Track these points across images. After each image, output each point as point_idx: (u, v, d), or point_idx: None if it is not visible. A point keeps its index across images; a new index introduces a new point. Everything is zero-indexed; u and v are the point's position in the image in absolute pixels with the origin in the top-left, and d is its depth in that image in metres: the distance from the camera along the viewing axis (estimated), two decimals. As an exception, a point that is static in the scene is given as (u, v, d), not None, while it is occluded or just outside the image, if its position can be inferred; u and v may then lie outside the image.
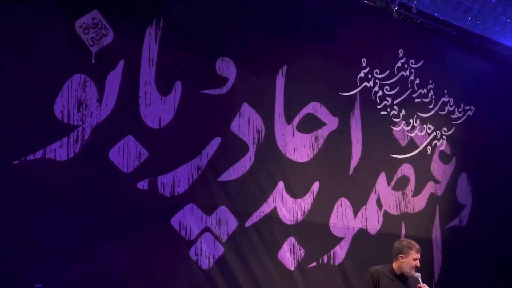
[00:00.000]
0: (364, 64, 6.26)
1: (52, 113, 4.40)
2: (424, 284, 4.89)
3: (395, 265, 4.96)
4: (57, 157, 4.39)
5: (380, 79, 6.38)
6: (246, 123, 5.37)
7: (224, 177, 5.19)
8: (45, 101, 4.39)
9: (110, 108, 4.65)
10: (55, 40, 4.45)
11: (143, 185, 4.74)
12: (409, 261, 4.89)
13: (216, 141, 5.18)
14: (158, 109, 4.89)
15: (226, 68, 5.31)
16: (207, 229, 5.00)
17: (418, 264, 4.88)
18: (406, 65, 6.63)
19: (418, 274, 4.93)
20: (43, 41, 4.40)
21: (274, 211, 5.41)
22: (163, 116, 4.91)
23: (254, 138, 5.41)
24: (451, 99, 6.98)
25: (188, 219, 4.91)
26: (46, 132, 4.38)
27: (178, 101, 5.00)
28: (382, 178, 6.23)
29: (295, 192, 5.59)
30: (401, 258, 4.91)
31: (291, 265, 5.43)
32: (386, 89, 6.41)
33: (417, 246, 4.91)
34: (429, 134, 6.74)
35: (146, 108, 4.84)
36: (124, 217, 4.60)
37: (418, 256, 4.87)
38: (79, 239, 4.38)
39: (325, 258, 5.67)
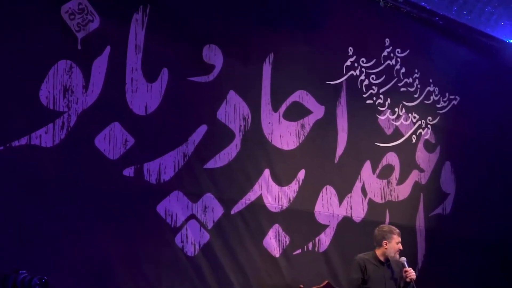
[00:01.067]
0: (350, 53, 6.28)
1: (37, 99, 4.37)
2: (410, 268, 4.98)
3: (379, 252, 5.04)
4: (42, 144, 4.37)
5: (366, 68, 6.40)
6: (233, 111, 5.37)
7: (210, 164, 5.20)
8: (30, 87, 4.36)
9: (96, 94, 4.63)
10: (40, 26, 4.41)
11: (129, 172, 4.74)
12: (393, 245, 5.00)
13: (203, 129, 5.18)
14: (144, 96, 4.88)
15: (213, 55, 5.30)
16: (192, 216, 5.01)
17: (401, 247, 4.99)
18: (392, 54, 6.67)
19: (403, 259, 5.02)
20: (28, 26, 4.36)
21: (259, 198, 5.43)
22: (149, 103, 4.90)
23: (240, 125, 5.42)
24: (436, 88, 7.04)
25: (174, 206, 4.92)
26: (31, 118, 4.35)
27: (164, 88, 4.98)
28: (367, 166, 6.28)
29: (281, 179, 5.61)
30: (386, 244, 4.99)
31: (276, 252, 5.47)
32: (372, 78, 6.45)
33: (397, 230, 5.04)
34: (414, 123, 6.79)
35: (133, 95, 4.82)
36: (109, 204, 4.60)
37: (400, 239, 5.01)
38: (64, 225, 4.37)
39: (310, 245, 5.72)
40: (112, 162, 4.66)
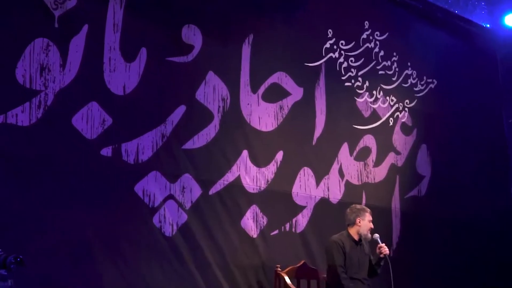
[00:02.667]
0: (330, 35, 6.29)
1: (13, 77, 4.32)
2: (383, 244, 5.08)
3: (352, 231, 5.11)
4: (18, 122, 4.33)
5: (345, 50, 6.43)
6: (211, 92, 5.37)
7: (189, 145, 5.21)
8: (6, 65, 4.30)
9: (73, 73, 4.59)
10: (16, 3, 4.34)
11: (106, 151, 4.72)
12: (366, 223, 5.09)
13: (181, 109, 5.17)
14: (122, 76, 4.85)
15: (192, 35, 5.27)
16: (170, 197, 5.03)
17: (372, 226, 5.09)
18: (371, 37, 6.69)
19: (376, 235, 5.11)
20: (4, 3, 4.29)
21: (238, 179, 5.46)
22: (127, 83, 4.87)
23: (219, 106, 5.41)
24: (414, 72, 7.10)
25: (151, 187, 4.93)
26: (7, 97, 4.30)
27: (143, 68, 4.96)
28: (344, 148, 6.33)
29: (259, 161, 5.64)
30: (359, 222, 5.07)
31: (253, 232, 5.51)
32: (351, 61, 6.47)
33: (369, 209, 5.15)
34: (392, 106, 6.85)
35: (110, 74, 4.79)
36: (87, 184, 4.59)
37: (371, 218, 5.10)
38: (41, 205, 4.35)
39: (287, 226, 5.77)
40: (90, 141, 4.64)
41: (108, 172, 4.70)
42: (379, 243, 5.08)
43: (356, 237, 5.07)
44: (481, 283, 6.73)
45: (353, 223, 5.08)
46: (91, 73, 4.68)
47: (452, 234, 7.12)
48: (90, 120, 4.65)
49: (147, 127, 4.97)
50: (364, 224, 5.07)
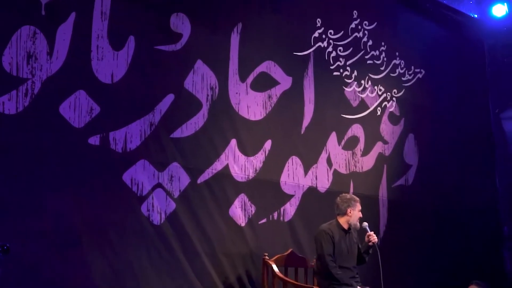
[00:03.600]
0: (318, 24, 6.29)
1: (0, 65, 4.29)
2: (372, 232, 5.12)
3: (342, 220, 5.14)
4: (5, 111, 4.30)
5: (334, 39, 6.43)
6: (200, 80, 5.36)
7: (177, 133, 5.20)
8: (-8, 53, 4.27)
9: (61, 61, 4.55)
10: (3, -10, 4.30)
11: (94, 140, 4.71)
12: (356, 213, 5.12)
13: (169, 98, 5.16)
14: (110, 64, 4.82)
15: (181, 24, 5.25)
16: (159, 185, 5.03)
17: (361, 215, 5.13)
18: (359, 27, 6.70)
19: (365, 224, 5.15)
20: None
21: (226, 168, 5.47)
22: (115, 71, 4.85)
23: (207, 95, 5.41)
24: (402, 61, 7.12)
25: (140, 175, 4.92)
26: (-6, 85, 4.27)
27: (131, 56, 4.93)
28: (333, 137, 6.35)
29: (248, 150, 5.65)
30: (350, 212, 5.10)
31: (242, 221, 5.53)
32: (340, 50, 6.48)
33: (357, 198, 5.19)
34: (380, 96, 6.88)
35: (98, 63, 4.76)
36: (74, 173, 4.57)
37: (360, 207, 5.14)
38: (28, 194, 4.34)
39: (275, 215, 5.79)
40: (77, 130, 4.62)
41: (96, 160, 4.69)
42: (368, 232, 5.13)
43: (345, 226, 5.11)
44: (467, 272, 6.81)
45: (343, 213, 5.11)
46: (79, 61, 4.65)
47: (438, 223, 7.19)
48: (77, 109, 4.63)
49: (135, 115, 4.95)
50: (354, 214, 5.11)
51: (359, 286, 4.97)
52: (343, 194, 5.31)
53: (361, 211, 5.19)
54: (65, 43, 4.58)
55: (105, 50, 4.80)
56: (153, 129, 5.04)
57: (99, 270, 4.56)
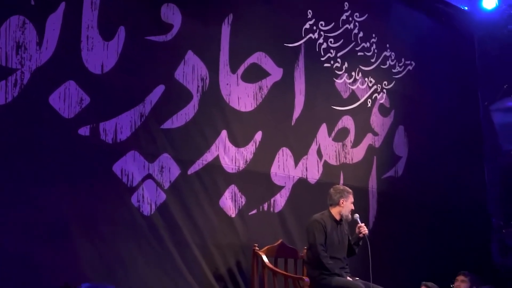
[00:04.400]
0: (309, 16, 6.29)
1: (-12, 55, 4.26)
2: (363, 224, 5.16)
3: (334, 211, 5.17)
4: (-6, 101, 4.28)
5: (325, 31, 6.43)
6: (191, 71, 5.35)
7: (167, 124, 5.19)
8: (-19, 43, 4.23)
9: (50, 52, 4.53)
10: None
11: (84, 131, 4.69)
12: (349, 204, 5.15)
13: (160, 89, 5.14)
14: (100, 54, 4.80)
15: (171, 14, 5.23)
16: (149, 176, 5.02)
17: (353, 207, 5.17)
18: (350, 18, 6.70)
19: (357, 215, 5.19)
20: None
21: (216, 159, 5.47)
22: (105, 62, 4.83)
23: (198, 86, 5.40)
24: (393, 53, 7.14)
25: (130, 166, 4.91)
26: (-18, 75, 4.24)
27: (121, 47, 4.91)
28: (323, 129, 6.37)
29: (238, 141, 5.65)
30: (343, 203, 5.13)
31: (232, 212, 5.54)
32: (330, 42, 6.48)
33: (350, 189, 5.22)
34: (370, 87, 6.89)
35: (88, 53, 4.74)
36: (64, 163, 4.56)
37: (353, 199, 5.17)
38: (18, 185, 4.32)
39: (266, 206, 5.81)
40: (67, 121, 4.60)
41: (86, 151, 4.68)
42: (359, 223, 5.16)
43: (337, 217, 5.13)
44: (455, 263, 6.86)
45: (336, 204, 5.13)
46: (68, 52, 4.63)
47: (427, 214, 7.23)
48: (67, 99, 4.61)
49: (125, 106, 4.94)
50: (346, 205, 5.13)
51: (349, 276, 5.01)
52: (337, 185, 5.33)
53: (353, 202, 5.22)
54: (54, 33, 4.55)
55: (95, 41, 4.77)
56: (144, 120, 5.02)
57: (89, 261, 4.56)
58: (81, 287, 1.43)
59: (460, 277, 6.14)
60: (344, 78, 6.61)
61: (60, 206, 4.50)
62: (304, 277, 4.99)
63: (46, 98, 4.51)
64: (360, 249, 5.24)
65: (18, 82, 4.38)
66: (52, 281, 4.29)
